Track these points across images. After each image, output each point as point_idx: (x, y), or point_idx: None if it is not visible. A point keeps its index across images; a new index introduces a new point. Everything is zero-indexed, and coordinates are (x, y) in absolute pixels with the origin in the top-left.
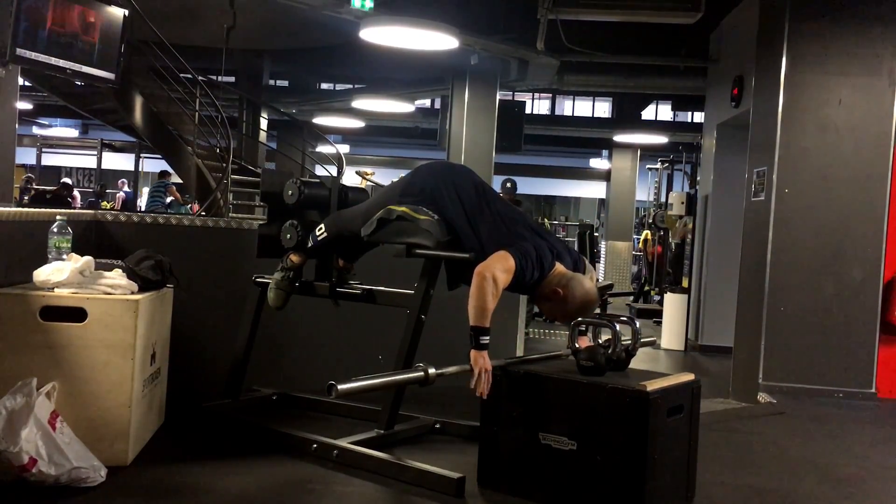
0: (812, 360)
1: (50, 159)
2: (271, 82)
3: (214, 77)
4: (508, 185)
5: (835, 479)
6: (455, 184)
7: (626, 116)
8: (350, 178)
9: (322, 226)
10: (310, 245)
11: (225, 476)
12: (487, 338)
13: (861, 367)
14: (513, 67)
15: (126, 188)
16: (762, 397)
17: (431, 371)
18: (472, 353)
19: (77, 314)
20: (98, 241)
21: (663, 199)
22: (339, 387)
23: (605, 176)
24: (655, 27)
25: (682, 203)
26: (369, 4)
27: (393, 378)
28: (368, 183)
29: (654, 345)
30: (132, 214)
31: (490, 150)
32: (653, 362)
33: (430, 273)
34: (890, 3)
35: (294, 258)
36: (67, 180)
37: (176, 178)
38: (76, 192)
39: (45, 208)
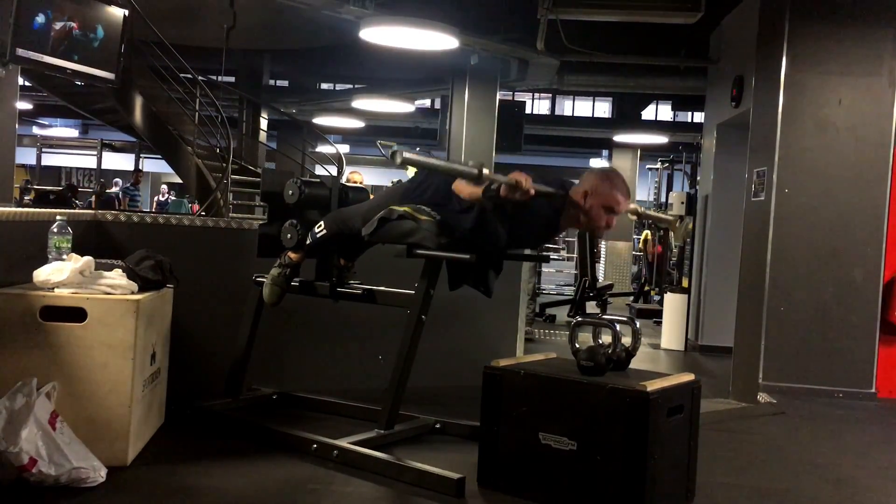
0: (812, 360)
1: (50, 159)
2: (271, 82)
3: (214, 77)
4: None
5: (835, 479)
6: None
7: (626, 116)
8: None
9: (321, 223)
10: (308, 242)
11: (225, 476)
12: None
13: (861, 367)
14: (513, 67)
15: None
16: (762, 397)
17: (485, 171)
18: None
19: (77, 314)
20: (98, 241)
21: (663, 200)
22: (405, 154)
23: None
24: (655, 27)
25: (682, 203)
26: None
27: (450, 166)
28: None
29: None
30: (132, 214)
31: (490, 150)
32: (653, 362)
33: (431, 273)
34: (890, 2)
35: (292, 256)
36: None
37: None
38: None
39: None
